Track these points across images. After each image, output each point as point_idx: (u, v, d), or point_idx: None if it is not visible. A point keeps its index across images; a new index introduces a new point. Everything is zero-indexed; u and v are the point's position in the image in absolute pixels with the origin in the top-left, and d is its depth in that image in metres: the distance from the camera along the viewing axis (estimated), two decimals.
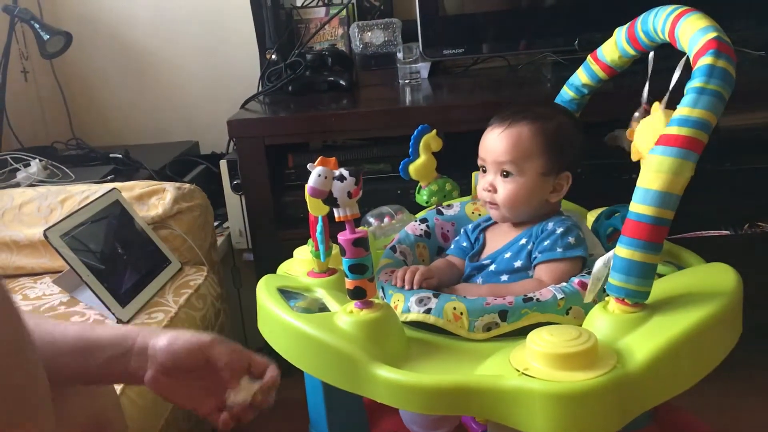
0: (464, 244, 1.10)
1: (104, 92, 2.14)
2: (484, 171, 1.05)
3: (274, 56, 1.79)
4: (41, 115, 2.14)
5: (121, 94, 2.12)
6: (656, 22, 0.93)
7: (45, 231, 1.23)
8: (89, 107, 2.15)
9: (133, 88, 2.10)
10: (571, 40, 1.63)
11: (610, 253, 0.80)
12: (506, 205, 1.02)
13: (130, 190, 1.47)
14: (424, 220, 1.15)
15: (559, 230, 0.99)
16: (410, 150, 1.18)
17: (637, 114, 1.08)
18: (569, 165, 1.03)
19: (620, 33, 1.05)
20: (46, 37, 1.82)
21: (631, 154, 0.86)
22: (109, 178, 1.68)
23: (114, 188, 1.44)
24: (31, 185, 1.62)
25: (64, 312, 1.30)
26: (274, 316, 0.90)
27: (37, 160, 1.71)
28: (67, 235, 1.27)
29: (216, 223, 1.76)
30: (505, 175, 1.01)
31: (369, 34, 1.80)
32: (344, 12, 1.88)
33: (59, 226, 1.26)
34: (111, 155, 1.81)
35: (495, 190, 1.02)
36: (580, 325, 0.80)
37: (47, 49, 1.85)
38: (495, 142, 1.02)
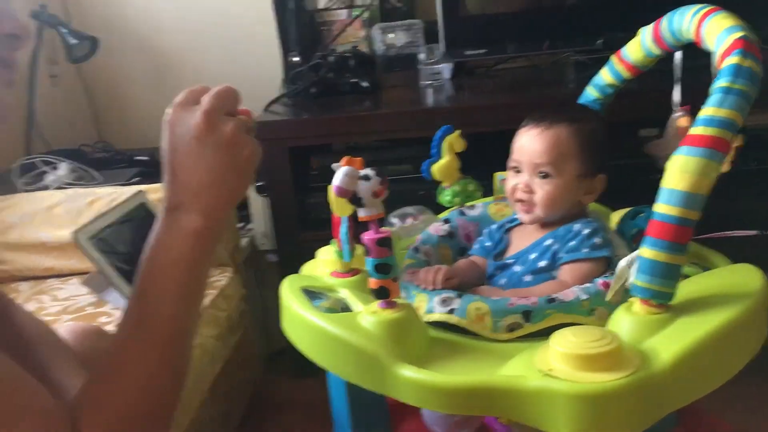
0: (488, 243, 1.10)
1: (130, 95, 2.17)
2: (518, 171, 1.04)
3: (297, 59, 1.81)
4: (68, 119, 2.18)
5: (146, 97, 2.15)
6: (682, 22, 0.92)
7: (73, 233, 1.26)
8: (115, 110, 2.19)
9: (157, 91, 2.13)
10: (594, 39, 1.62)
11: (634, 253, 0.79)
12: (544, 206, 1.01)
13: (155, 192, 1.49)
14: (447, 221, 1.15)
15: (586, 231, 0.98)
16: (433, 151, 1.18)
17: (676, 115, 1.07)
18: (604, 167, 1.03)
19: (645, 32, 1.04)
20: (73, 41, 1.86)
21: None
22: (135, 180, 1.71)
23: (140, 190, 1.46)
24: (59, 188, 1.66)
25: (91, 313, 1.33)
26: (298, 316, 0.91)
27: (65, 163, 1.74)
28: (95, 237, 1.29)
29: (240, 225, 1.78)
30: (543, 176, 1.01)
31: (391, 35, 1.81)
32: (366, 14, 1.89)
33: (87, 229, 1.28)
34: (136, 158, 1.83)
35: (531, 191, 1.02)
36: (605, 326, 0.80)
37: (74, 53, 1.88)
38: (532, 143, 1.01)
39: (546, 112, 1.03)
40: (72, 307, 1.35)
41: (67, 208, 1.52)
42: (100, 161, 1.87)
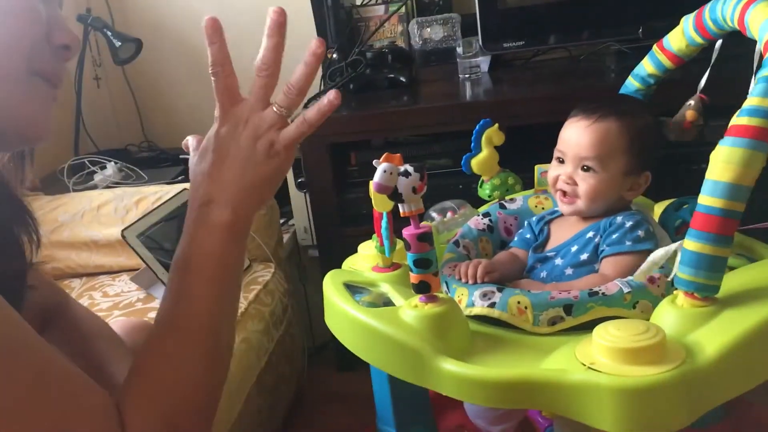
0: (528, 236, 1.09)
1: (173, 95, 2.21)
2: (561, 162, 1.03)
3: (335, 55, 1.82)
4: (114, 119, 2.24)
5: (189, 97, 2.19)
6: (725, 10, 0.90)
7: (122, 231, 1.29)
8: (159, 110, 2.23)
9: (199, 90, 2.16)
10: (634, 28, 1.59)
11: (675, 244, 0.79)
12: (587, 198, 1.00)
13: None
14: (486, 215, 1.15)
15: (629, 224, 0.97)
16: (472, 144, 1.18)
17: (691, 102, 1.06)
18: (650, 164, 1.02)
19: (687, 21, 1.02)
20: (118, 44, 1.90)
21: None
22: (179, 178, 1.75)
23: (185, 189, 1.49)
24: (107, 187, 1.70)
25: (141, 308, 1.36)
26: (341, 311, 0.92)
27: (112, 163, 1.79)
28: (143, 234, 1.32)
29: (282, 221, 1.81)
30: (586, 169, 1.00)
31: (428, 29, 1.81)
32: (403, 9, 1.89)
33: (135, 226, 1.32)
34: (181, 156, 1.87)
35: (574, 183, 1.01)
36: (648, 320, 0.79)
37: (119, 55, 1.92)
38: (579, 136, 1.00)
39: (597, 104, 1.02)
40: (122, 303, 1.39)
41: (115, 207, 1.56)
42: (145, 160, 1.92)
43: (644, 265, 0.84)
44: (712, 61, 0.95)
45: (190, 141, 0.72)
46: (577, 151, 1.00)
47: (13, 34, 0.59)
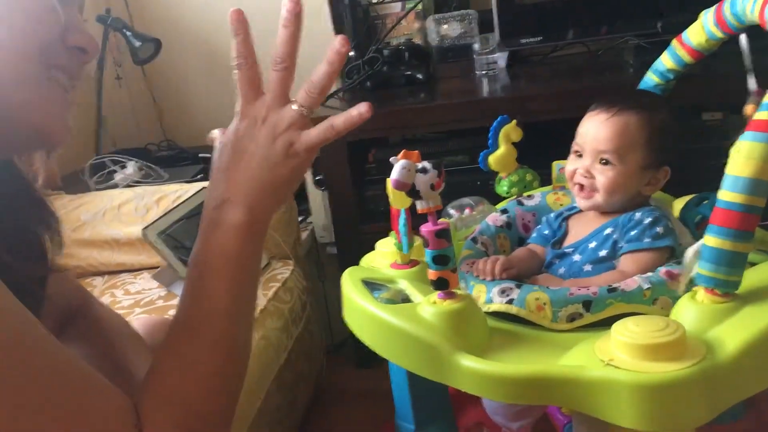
0: (546, 232, 1.09)
1: (192, 94, 2.23)
2: (579, 156, 1.03)
3: (352, 53, 1.82)
4: (134, 119, 2.26)
5: (208, 96, 2.20)
6: (745, 3, 0.89)
7: (143, 230, 1.31)
8: (179, 109, 2.25)
9: (218, 89, 2.18)
10: (653, 23, 1.58)
11: (700, 242, 0.78)
12: (605, 191, 0.99)
13: None
14: (504, 211, 1.15)
15: (647, 220, 0.97)
16: (489, 141, 1.18)
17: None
18: (669, 159, 1.01)
19: (707, 15, 1.01)
20: (137, 44, 1.92)
21: None
22: (199, 176, 1.76)
23: (204, 187, 1.50)
24: (128, 186, 1.72)
25: (162, 306, 1.38)
26: (360, 307, 0.93)
27: (132, 162, 1.81)
28: (163, 232, 1.34)
29: (300, 219, 1.82)
30: (604, 162, 0.99)
31: (445, 26, 1.81)
32: (420, 6, 1.89)
33: (156, 225, 1.34)
34: (200, 155, 1.89)
35: (591, 176, 1.01)
36: (667, 316, 0.79)
37: (139, 55, 1.94)
38: (598, 129, 1.00)
39: (616, 98, 1.01)
40: (143, 301, 1.41)
41: (135, 206, 1.58)
42: (165, 159, 1.94)
43: (683, 277, 0.84)
44: (746, 58, 0.94)
45: (216, 134, 0.71)
46: (595, 144, 1.00)
47: (31, 35, 0.58)
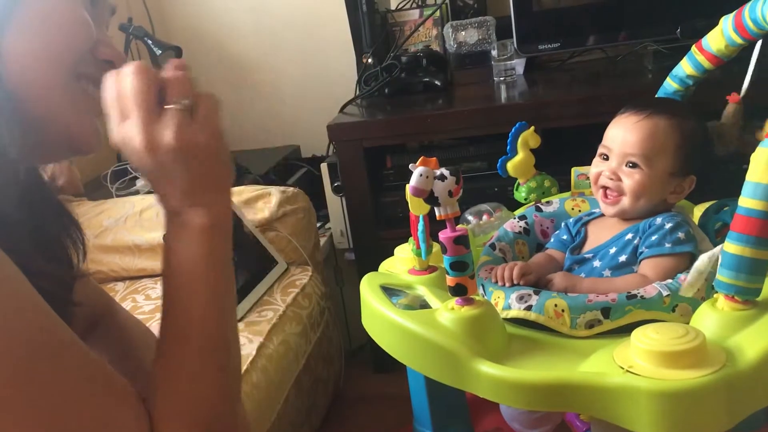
0: (565, 237, 1.09)
1: None
2: (605, 159, 1.02)
3: (370, 60, 1.83)
4: None
5: (226, 103, 2.20)
6: (765, 9, 0.89)
7: (164, 236, 1.32)
8: None
9: (237, 96, 2.20)
10: (672, 28, 1.57)
11: (717, 248, 0.78)
12: (632, 194, 0.98)
13: (238, 194, 1.55)
14: (522, 217, 1.15)
15: (668, 225, 0.96)
16: (508, 147, 1.18)
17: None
18: (696, 168, 1.00)
19: (726, 21, 1.01)
20: (158, 52, 1.94)
21: None
22: None
23: None
24: (149, 192, 1.74)
25: None
26: (378, 313, 0.93)
27: None
28: None
29: (318, 225, 1.82)
30: (632, 165, 0.99)
31: (463, 33, 1.81)
32: (438, 12, 1.89)
33: None
34: None
35: (618, 179, 1.00)
36: (687, 323, 0.79)
37: (160, 63, 1.96)
38: (627, 132, 0.99)
39: (647, 102, 1.01)
40: None
41: (156, 212, 1.59)
42: None
43: (690, 278, 0.83)
44: (753, 61, 0.94)
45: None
46: (623, 147, 0.99)
47: (65, 47, 0.61)
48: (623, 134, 0.99)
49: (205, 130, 0.62)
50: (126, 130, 0.60)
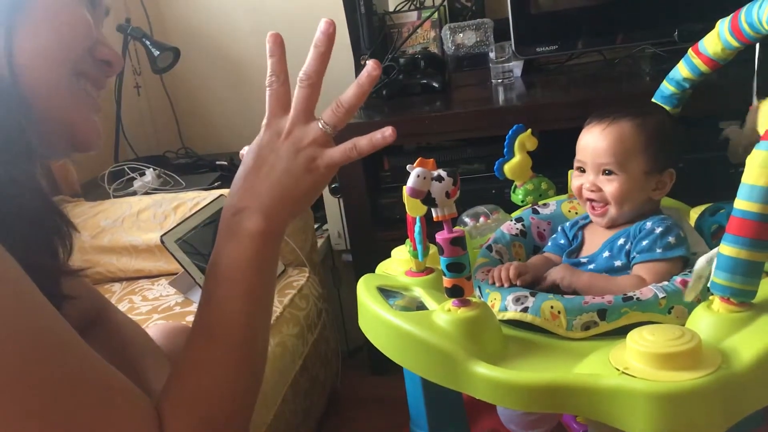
0: (562, 241, 1.09)
1: (210, 103, 2.25)
2: (582, 171, 1.04)
3: (368, 61, 1.83)
4: (153, 127, 2.29)
5: (225, 104, 2.23)
6: (761, 13, 0.89)
7: (161, 236, 1.32)
8: (196, 117, 2.27)
9: (235, 97, 2.20)
10: (669, 31, 1.58)
11: (714, 251, 0.78)
12: (615, 201, 1.00)
13: None
14: (519, 219, 1.16)
15: (659, 230, 0.97)
16: (505, 150, 1.19)
17: (752, 107, 1.05)
18: (672, 161, 1.01)
19: (723, 25, 1.01)
20: (156, 53, 1.94)
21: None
22: (216, 184, 1.78)
23: (221, 194, 1.52)
24: (146, 193, 1.74)
25: (179, 312, 1.39)
26: (375, 314, 0.93)
27: (151, 169, 1.83)
28: (181, 239, 1.35)
29: (316, 226, 1.83)
30: (607, 173, 1.00)
31: (461, 35, 1.81)
32: (436, 15, 1.90)
33: (173, 232, 1.35)
34: (217, 162, 1.91)
35: (599, 189, 1.01)
36: (683, 325, 0.79)
37: (158, 64, 1.97)
38: (596, 142, 1.01)
39: (608, 109, 1.02)
40: (161, 307, 1.42)
41: (154, 213, 1.59)
42: (183, 167, 1.96)
43: (691, 282, 0.84)
44: (757, 65, 0.94)
45: (246, 150, 0.73)
46: (595, 157, 1.01)
47: (66, 46, 0.62)
48: (593, 144, 1.01)
49: (326, 166, 0.67)
50: (281, 120, 0.68)
